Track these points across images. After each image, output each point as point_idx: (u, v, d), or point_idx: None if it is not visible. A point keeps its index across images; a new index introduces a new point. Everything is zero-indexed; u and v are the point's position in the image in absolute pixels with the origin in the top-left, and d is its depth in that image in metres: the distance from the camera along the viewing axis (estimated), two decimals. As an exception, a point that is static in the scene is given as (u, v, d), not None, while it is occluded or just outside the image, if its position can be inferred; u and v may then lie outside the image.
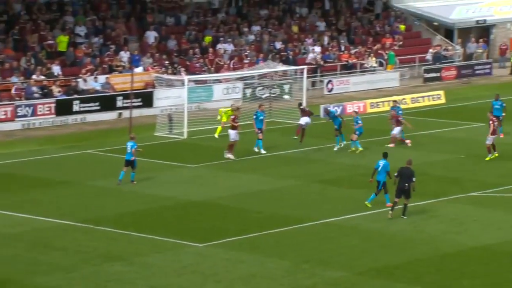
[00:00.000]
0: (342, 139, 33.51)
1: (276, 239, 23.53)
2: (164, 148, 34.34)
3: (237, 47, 46.09)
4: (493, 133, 31.57)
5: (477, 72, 51.02)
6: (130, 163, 28.56)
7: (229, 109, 35.11)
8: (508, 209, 25.75)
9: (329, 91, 45.41)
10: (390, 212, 25.08)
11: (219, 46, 45.27)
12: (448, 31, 54.92)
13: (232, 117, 31.54)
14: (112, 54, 42.59)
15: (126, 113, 39.01)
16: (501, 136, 33.89)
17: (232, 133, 31.03)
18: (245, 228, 24.39)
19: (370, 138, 35.30)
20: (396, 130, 34.01)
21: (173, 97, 39.86)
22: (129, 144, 28.82)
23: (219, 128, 35.26)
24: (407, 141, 34.20)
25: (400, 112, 34.68)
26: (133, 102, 38.75)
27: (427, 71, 49.50)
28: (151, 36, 44.62)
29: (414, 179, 24.98)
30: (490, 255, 22.33)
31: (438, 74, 49.81)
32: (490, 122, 31.45)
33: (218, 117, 35.81)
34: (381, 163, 25.73)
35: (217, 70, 43.73)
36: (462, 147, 34.08)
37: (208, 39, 45.35)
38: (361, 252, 22.59)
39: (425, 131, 36.82)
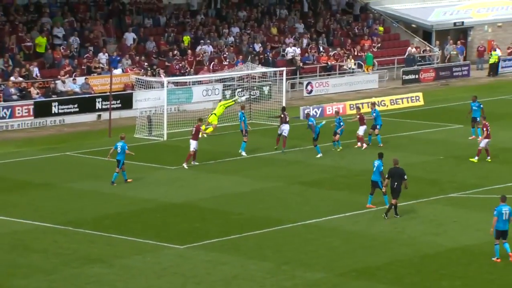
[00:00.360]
0: (338, 144, 33.50)
1: (257, 240, 23.54)
2: (144, 150, 34.22)
3: (216, 49, 46.07)
4: (487, 137, 31.60)
5: (455, 74, 51.37)
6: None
7: (230, 101, 35.09)
8: (487, 210, 25.87)
9: (309, 93, 45.53)
10: (385, 214, 25.15)
11: (198, 48, 45.24)
12: (426, 33, 55.26)
13: (196, 126, 30.58)
14: (90, 55, 42.42)
15: (105, 115, 38.86)
16: (479, 139, 34.14)
17: (194, 143, 30.27)
18: (226, 229, 24.38)
19: (350, 140, 35.42)
20: (361, 130, 34.00)
21: (153, 99, 39.78)
22: (119, 144, 28.77)
23: (210, 128, 34.60)
24: (364, 144, 33.74)
25: (373, 114, 34.56)
26: (112, 104, 38.62)
27: (405, 73, 49.78)
28: (130, 37, 44.50)
29: (405, 177, 25.18)
30: (469, 256, 22.47)
31: (416, 76, 50.11)
32: (484, 128, 31.39)
33: (210, 117, 34.86)
34: (376, 163, 25.59)
35: (197, 72, 43.70)
36: (440, 149, 34.28)
37: (186, 39, 45.27)
38: (342, 253, 22.64)
39: (403, 133, 37.01)
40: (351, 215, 25.61)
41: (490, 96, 45.22)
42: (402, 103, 43.08)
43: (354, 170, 30.82)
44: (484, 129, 31.76)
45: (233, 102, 35.37)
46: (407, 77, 49.61)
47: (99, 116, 39.87)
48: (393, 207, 25.28)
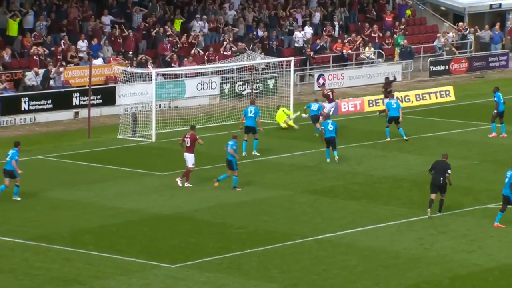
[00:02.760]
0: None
1: (261, 258, 23.57)
2: (128, 153, 34.28)
3: (214, 25, 45.98)
4: None
5: (492, 64, 51.36)
6: (9, 174, 27.59)
7: (290, 112, 37.34)
8: (529, 223, 25.94)
9: (320, 87, 45.53)
10: (429, 210, 26.20)
11: (193, 23, 45.01)
12: (457, 17, 55.24)
13: (191, 136, 29.79)
14: (66, 43, 42.46)
15: (83, 113, 38.93)
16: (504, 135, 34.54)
17: (191, 158, 29.71)
18: (225, 246, 24.41)
19: (369, 141, 35.45)
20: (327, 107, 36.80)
21: (139, 93, 39.87)
22: (11, 152, 27.93)
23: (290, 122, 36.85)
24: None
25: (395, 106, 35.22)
26: (92, 100, 38.69)
27: (433, 63, 49.78)
28: (110, 20, 44.43)
29: (449, 171, 26.29)
30: (509, 278, 22.47)
31: (446, 67, 50.10)
32: None
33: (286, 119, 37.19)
34: (508, 173, 25.08)
35: (189, 61, 43.70)
36: (475, 152, 34.30)
37: (178, 22, 45.31)
38: (359, 273, 22.67)
39: (432, 133, 37.06)
40: (370, 229, 25.66)
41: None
42: (430, 98, 43.14)
43: (373, 176, 30.88)
44: None
45: (291, 113, 36.98)
46: (435, 68, 49.61)
47: (77, 113, 39.95)
48: (440, 202, 26.29)
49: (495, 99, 35.98)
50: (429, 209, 26.48)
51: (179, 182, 29.52)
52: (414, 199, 28.36)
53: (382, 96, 41.58)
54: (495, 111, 35.87)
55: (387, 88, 39.76)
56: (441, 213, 26.66)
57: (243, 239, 24.94)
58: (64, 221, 26.50)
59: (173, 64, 42.71)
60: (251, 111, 33.85)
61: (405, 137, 35.28)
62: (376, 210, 27.16)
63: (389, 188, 29.50)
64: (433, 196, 26.42)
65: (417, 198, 28.51)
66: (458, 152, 33.95)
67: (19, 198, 27.92)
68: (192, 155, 29.78)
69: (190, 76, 42.54)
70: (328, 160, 32.70)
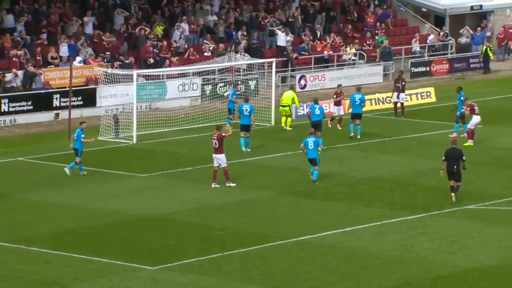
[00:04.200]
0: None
1: (242, 260, 23.56)
2: (109, 154, 34.19)
3: (195, 27, 45.98)
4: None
5: (473, 65, 51.55)
6: (76, 152, 30.29)
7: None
8: (510, 224, 26.05)
9: (302, 88, 45.59)
10: (452, 194, 27.58)
11: (176, 25, 45.02)
12: (438, 18, 55.44)
13: (218, 136, 29.35)
14: (46, 44, 42.28)
15: (64, 114, 38.79)
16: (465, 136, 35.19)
17: (221, 158, 29.35)
18: (206, 247, 24.38)
19: (351, 142, 35.53)
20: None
21: (120, 95, 39.75)
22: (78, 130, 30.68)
23: (288, 120, 37.12)
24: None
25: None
26: (73, 101, 38.55)
27: (414, 64, 49.94)
28: (91, 22, 44.30)
29: (464, 157, 27.70)
30: (489, 279, 22.55)
31: (427, 68, 50.28)
32: (469, 108, 34.24)
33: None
34: None
35: (172, 63, 43.65)
36: (456, 153, 34.39)
37: (159, 29, 45.28)
38: (341, 274, 22.69)
39: (413, 134, 37.16)
40: (351, 230, 25.68)
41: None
42: (411, 99, 43.23)
43: (354, 177, 30.92)
44: (469, 109, 34.20)
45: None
46: (416, 70, 49.77)
47: (57, 115, 39.80)
48: (455, 187, 27.54)
49: (462, 98, 36.16)
50: (452, 194, 27.63)
51: (227, 184, 29.25)
52: (396, 200, 28.43)
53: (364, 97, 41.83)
54: (458, 111, 36.13)
55: (396, 83, 40.15)
56: (455, 199, 27.58)
57: (224, 240, 24.92)
58: (44, 223, 26.40)
59: (166, 65, 42.74)
60: (246, 110, 34.12)
61: (358, 136, 35.60)
62: (358, 212, 27.20)
63: (371, 189, 29.56)
64: (452, 182, 27.65)
65: (399, 199, 28.58)
66: (439, 153, 33.83)
67: (85, 173, 30.25)
68: (222, 155, 29.32)
69: (172, 78, 42.49)
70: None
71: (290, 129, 37.29)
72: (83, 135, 30.78)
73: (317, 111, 34.80)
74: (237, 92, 38.23)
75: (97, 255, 23.69)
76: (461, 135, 35.73)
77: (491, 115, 39.59)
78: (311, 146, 29.96)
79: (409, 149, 34.77)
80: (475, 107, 34.83)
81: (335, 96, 38.23)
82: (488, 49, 50.38)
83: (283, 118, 37.71)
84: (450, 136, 35.39)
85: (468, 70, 51.39)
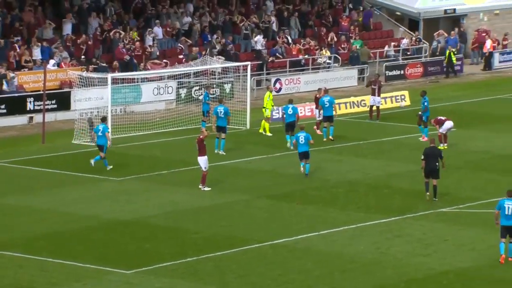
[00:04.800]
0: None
1: (217, 263, 23.53)
2: (84, 158, 34.02)
3: (169, 31, 45.89)
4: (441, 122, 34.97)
5: (454, 68, 51.72)
6: (101, 148, 31.39)
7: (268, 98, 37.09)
8: (484, 227, 26.19)
9: (277, 92, 45.62)
10: (427, 193, 28.16)
11: (148, 31, 44.92)
12: (412, 22, 55.70)
13: (198, 139, 29.55)
14: (20, 47, 42.03)
15: (38, 118, 38.59)
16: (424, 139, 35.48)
17: (203, 161, 29.41)
18: (181, 251, 24.33)
19: (326, 145, 35.59)
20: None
21: (94, 98, 39.59)
22: (101, 127, 31.53)
23: (266, 124, 37.04)
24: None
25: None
26: (47, 105, 38.35)
27: (389, 68, 50.16)
28: (68, 26, 44.15)
29: (442, 155, 28.35)
30: (463, 281, 22.66)
31: (401, 72, 50.51)
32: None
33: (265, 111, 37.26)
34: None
35: (146, 66, 43.56)
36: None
37: (134, 34, 45.19)
38: (316, 278, 22.70)
39: (388, 137, 37.28)
40: (326, 234, 25.73)
41: (486, 95, 45.75)
42: (386, 103, 43.39)
43: (329, 181, 30.97)
44: (436, 124, 34.77)
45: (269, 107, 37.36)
46: (390, 73, 49.98)
47: (31, 118, 39.57)
48: (434, 189, 27.98)
49: (425, 103, 36.30)
50: (427, 193, 28.15)
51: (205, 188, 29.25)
52: (370, 204, 28.51)
53: (339, 100, 41.95)
54: (421, 113, 36.23)
55: (373, 85, 40.24)
56: (437, 199, 28.03)
57: (199, 244, 24.87)
58: (17, 227, 26.22)
59: (140, 69, 42.63)
60: (220, 112, 34.13)
61: (331, 137, 35.89)
62: (333, 215, 27.25)
63: (346, 193, 29.62)
64: (426, 180, 28.19)
65: (373, 202, 28.66)
66: (414, 156, 34.11)
67: (111, 166, 31.57)
68: (201, 158, 29.26)
69: (147, 81, 42.38)
70: (288, 145, 34.09)
71: (270, 134, 37.10)
72: (108, 130, 32.00)
73: (290, 111, 35.04)
74: (210, 95, 38.20)
75: (71, 259, 23.57)
76: (420, 138, 35.92)
77: (464, 119, 39.84)
78: (302, 140, 30.84)
79: (384, 152, 34.89)
80: (441, 118, 34.85)
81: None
82: (452, 53, 50.42)
83: (262, 123, 37.49)
84: (420, 139, 35.63)
85: (442, 73, 51.67)
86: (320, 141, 35.75)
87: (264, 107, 37.65)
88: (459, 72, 52.12)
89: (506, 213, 23.46)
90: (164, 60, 44.36)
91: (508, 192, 23.79)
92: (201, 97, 40.46)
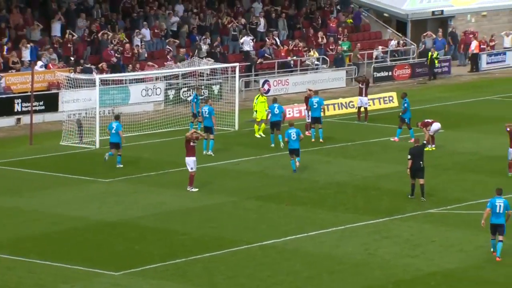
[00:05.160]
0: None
1: (206, 265, 23.55)
2: (72, 159, 34.00)
3: (157, 32, 45.87)
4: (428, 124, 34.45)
5: (434, 70, 51.94)
6: (115, 145, 32.05)
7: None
8: (472, 228, 26.28)
9: (266, 93, 45.58)
10: (412, 196, 28.43)
11: (136, 32, 44.89)
12: (400, 24, 55.85)
13: (189, 136, 29.55)
14: (7, 48, 41.93)
15: (25, 119, 38.50)
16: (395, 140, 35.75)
17: (191, 161, 29.42)
18: (170, 252, 24.33)
19: (314, 147, 35.64)
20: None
21: (82, 99, 39.53)
22: (115, 125, 32.18)
23: (256, 126, 36.82)
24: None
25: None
26: (34, 106, 38.27)
27: (377, 69, 50.27)
28: (57, 27, 44.05)
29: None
30: (451, 282, 22.74)
31: (389, 73, 50.64)
32: (508, 129, 31.30)
33: (254, 114, 37.24)
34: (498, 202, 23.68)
35: (135, 67, 43.54)
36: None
37: (122, 35, 45.17)
38: (304, 279, 22.74)
39: (375, 139, 37.36)
40: (314, 235, 25.77)
41: (473, 97, 45.91)
42: (374, 104, 43.49)
43: (318, 182, 31.01)
44: (424, 127, 34.39)
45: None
46: (378, 75, 50.11)
47: (18, 120, 39.48)
48: (421, 188, 28.17)
49: (405, 105, 36.47)
50: (412, 196, 28.56)
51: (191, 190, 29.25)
52: (358, 205, 28.58)
53: (328, 101, 42.08)
54: (401, 115, 36.35)
55: (360, 84, 40.31)
56: (424, 199, 28.27)
57: (188, 245, 24.87)
58: (5, 229, 26.16)
59: (129, 70, 42.56)
60: (205, 111, 34.19)
61: (321, 140, 35.96)
62: (321, 216, 27.29)
63: (334, 194, 29.68)
64: (412, 181, 28.45)
65: (361, 203, 28.72)
66: (402, 157, 34.18)
67: (121, 165, 32.09)
68: (188, 159, 29.23)
69: (135, 82, 42.37)
70: (272, 145, 34.55)
71: (260, 136, 36.94)
72: (122, 128, 32.63)
73: (276, 110, 35.21)
74: (200, 97, 38.20)
75: (59, 260, 23.53)
76: (391, 139, 36.07)
77: (452, 120, 39.97)
78: (294, 137, 31.35)
79: (372, 153, 34.96)
80: (428, 121, 34.95)
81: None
82: (434, 55, 50.36)
83: (256, 126, 37.32)
84: (409, 141, 35.71)
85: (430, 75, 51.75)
86: (308, 142, 35.81)
87: (255, 110, 37.62)
88: (446, 73, 52.29)
89: (497, 211, 23.73)
90: (149, 62, 44.29)
91: (497, 190, 24.04)
92: (189, 99, 40.46)
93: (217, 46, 46.51)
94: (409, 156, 28.59)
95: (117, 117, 33.03)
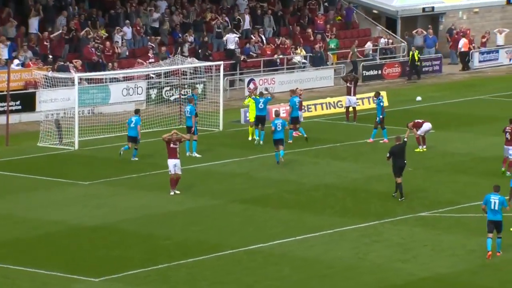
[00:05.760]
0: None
1: (190, 270, 23.44)
2: (50, 161, 33.83)
3: (139, 29, 45.75)
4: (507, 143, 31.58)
5: (425, 69, 52.05)
6: (133, 139, 33.18)
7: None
8: (464, 231, 26.30)
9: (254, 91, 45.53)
10: (395, 194, 28.87)
11: (117, 29, 44.76)
12: (390, 21, 55.91)
13: (168, 137, 29.28)
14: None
15: (1, 119, 38.29)
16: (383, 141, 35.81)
17: (172, 164, 29.20)
18: (152, 257, 24.21)
19: (302, 147, 35.60)
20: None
21: (61, 99, 39.35)
22: (134, 119, 33.20)
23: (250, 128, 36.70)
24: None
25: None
26: (11, 106, 38.05)
27: (366, 68, 50.29)
28: (35, 23, 43.84)
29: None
30: (442, 286, 22.73)
31: (379, 72, 50.68)
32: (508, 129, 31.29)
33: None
34: (494, 198, 23.84)
35: (114, 65, 43.39)
36: (408, 159, 34.57)
37: (103, 31, 44.99)
38: (293, 284, 22.69)
39: (365, 139, 37.33)
40: (302, 239, 25.71)
41: (465, 96, 45.99)
42: (363, 104, 43.47)
43: (306, 184, 30.96)
44: (414, 128, 34.23)
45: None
46: (368, 73, 50.13)
47: (-6, 120, 39.27)
48: (399, 187, 28.61)
49: (381, 104, 36.42)
50: (395, 194, 28.89)
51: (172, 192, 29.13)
52: (348, 207, 28.54)
53: (315, 101, 42.05)
54: (381, 116, 36.32)
55: (348, 83, 40.20)
56: (404, 198, 28.71)
57: (171, 250, 24.77)
58: (-19, 233, 25.99)
59: (109, 68, 42.38)
60: (187, 111, 34.13)
61: (305, 136, 36.00)
62: (309, 219, 27.24)
63: (322, 196, 29.64)
64: (399, 180, 28.73)
65: (351, 206, 28.69)
66: (392, 158, 34.33)
67: (137, 159, 33.20)
68: (170, 160, 29.08)
69: (115, 81, 42.22)
70: (256, 138, 35.23)
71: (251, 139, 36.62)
72: (140, 123, 33.60)
73: (261, 105, 35.21)
74: (182, 96, 38.07)
75: (36, 266, 23.38)
76: (381, 141, 36.04)
77: (443, 120, 40.02)
78: (279, 127, 32.24)
79: (362, 154, 34.93)
80: (418, 121, 34.90)
81: (300, 98, 37.56)
82: (415, 54, 49.95)
83: (250, 129, 36.86)
84: (367, 141, 35.70)
85: (421, 73, 51.81)
86: (300, 142, 35.77)
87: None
88: (437, 72, 52.37)
89: (492, 207, 23.94)
90: (139, 60, 44.10)
91: (494, 187, 24.29)
92: (172, 98, 40.32)
93: (203, 44, 46.37)
94: (388, 154, 28.89)
95: (136, 111, 34.00)
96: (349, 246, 25.14)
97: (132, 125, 33.35)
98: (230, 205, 28.66)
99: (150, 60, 43.88)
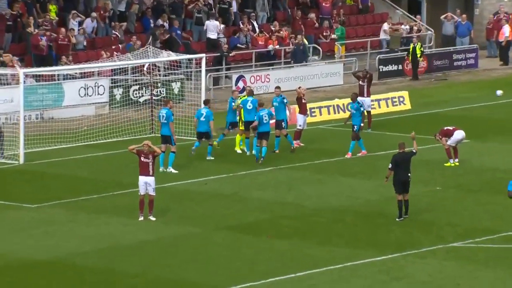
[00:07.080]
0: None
1: (163, 316, 23.56)
2: (-12, 178, 33.91)
3: (102, 14, 45.94)
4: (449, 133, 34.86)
5: (457, 63, 52.30)
6: (205, 135, 34.99)
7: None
8: (505, 267, 26.38)
9: (240, 92, 45.62)
10: (399, 215, 29.23)
11: (72, 13, 44.94)
12: (413, 3, 56.13)
13: (138, 149, 29.43)
14: None
15: None
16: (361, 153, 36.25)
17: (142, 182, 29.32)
18: (116, 300, 24.32)
19: (303, 161, 35.67)
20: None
21: (2, 101, 39.49)
22: (204, 111, 35.03)
23: (237, 137, 37.10)
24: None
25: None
26: None
27: (383, 62, 50.40)
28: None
29: (415, 151, 29.62)
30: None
31: (399, 67, 50.80)
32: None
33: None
34: None
35: (69, 59, 43.53)
36: (437, 175, 34.77)
37: (53, 8, 45.03)
38: (291, 333, 22.74)
39: (382, 151, 37.42)
40: (303, 276, 25.76)
41: (506, 97, 45.87)
42: (380, 107, 43.68)
43: (307, 207, 31.07)
44: (442, 137, 34.76)
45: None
46: (385, 69, 50.29)
47: None
48: (405, 204, 28.90)
49: (361, 109, 36.36)
50: (400, 219, 28.99)
51: (148, 217, 29.37)
52: (360, 237, 28.60)
53: (320, 103, 42.19)
54: (361, 124, 36.28)
55: (361, 81, 40.21)
56: (408, 216, 29.19)
57: (139, 290, 24.77)
58: None
59: (62, 63, 42.52)
60: (163, 116, 34.18)
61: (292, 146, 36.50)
62: (312, 252, 27.30)
63: (328, 223, 29.72)
64: (399, 197, 29.02)
65: (364, 235, 28.76)
66: (417, 175, 34.19)
67: (212, 158, 35.29)
68: (141, 178, 29.21)
69: (70, 79, 42.32)
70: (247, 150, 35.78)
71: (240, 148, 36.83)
72: (213, 117, 35.22)
73: (249, 105, 35.38)
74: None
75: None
76: (358, 154, 36.08)
77: (478, 127, 40.17)
78: (266, 119, 33.95)
79: (377, 170, 34.95)
80: (448, 128, 34.82)
81: (303, 100, 37.72)
82: (417, 47, 49.61)
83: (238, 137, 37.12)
84: (346, 156, 35.71)
85: (452, 69, 52.13)
86: (296, 155, 35.85)
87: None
88: (472, 67, 52.51)
89: None
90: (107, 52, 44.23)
91: None
92: (141, 99, 40.44)
93: (177, 32, 46.53)
94: (390, 165, 29.00)
95: (206, 102, 35.75)
96: (362, 285, 25.15)
97: (202, 118, 34.89)
98: (213, 233, 28.73)
99: (115, 53, 43.97)
